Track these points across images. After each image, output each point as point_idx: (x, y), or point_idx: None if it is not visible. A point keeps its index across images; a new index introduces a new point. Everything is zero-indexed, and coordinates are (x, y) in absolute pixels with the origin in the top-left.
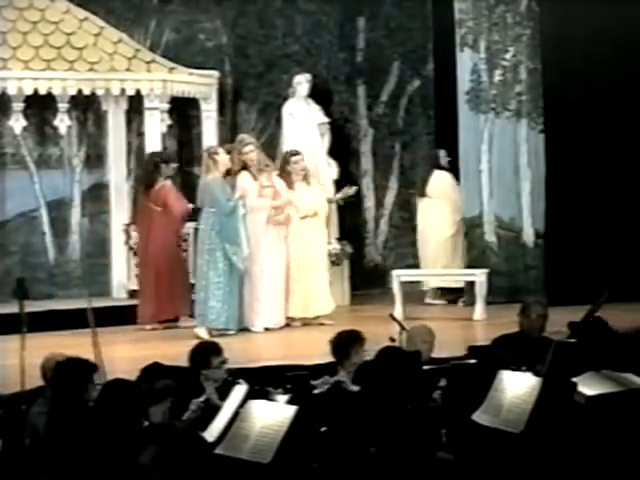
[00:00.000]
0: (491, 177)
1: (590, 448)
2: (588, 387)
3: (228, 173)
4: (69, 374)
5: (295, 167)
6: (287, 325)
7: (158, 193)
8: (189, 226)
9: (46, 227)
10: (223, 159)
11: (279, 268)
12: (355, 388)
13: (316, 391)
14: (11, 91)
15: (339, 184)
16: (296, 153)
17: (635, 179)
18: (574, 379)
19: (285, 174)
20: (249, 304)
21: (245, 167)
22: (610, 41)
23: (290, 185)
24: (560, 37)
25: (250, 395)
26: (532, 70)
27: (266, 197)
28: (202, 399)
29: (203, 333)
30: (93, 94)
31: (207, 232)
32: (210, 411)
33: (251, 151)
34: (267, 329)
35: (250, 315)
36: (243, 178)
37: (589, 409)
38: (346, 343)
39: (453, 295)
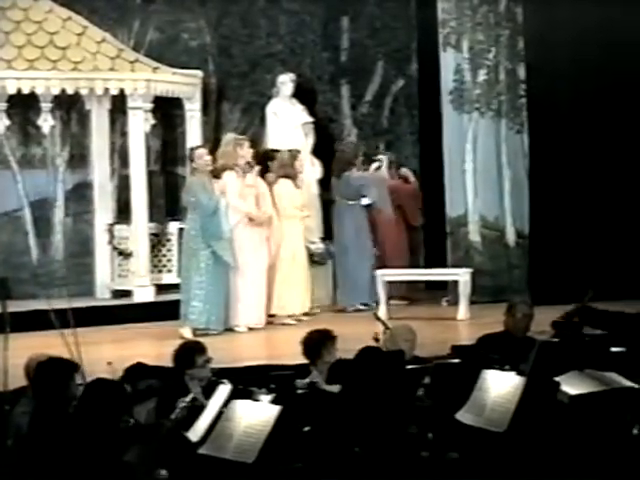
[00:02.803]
0: (475, 177)
1: (573, 447)
2: (571, 386)
3: (213, 172)
4: (50, 374)
5: (300, 165)
6: (270, 323)
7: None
8: (173, 226)
9: (29, 227)
10: (206, 159)
11: (260, 268)
12: (329, 387)
13: (299, 391)
14: None
15: (322, 183)
16: (299, 152)
17: (618, 178)
18: (557, 378)
19: (291, 170)
20: (231, 304)
21: (231, 167)
22: (594, 42)
23: (297, 185)
24: (545, 38)
25: (234, 395)
26: (510, 71)
27: (248, 196)
28: (189, 398)
29: (187, 333)
30: (76, 94)
31: (191, 233)
32: (196, 411)
33: (250, 147)
34: (250, 328)
35: (232, 314)
36: (228, 176)
37: (572, 408)
38: (318, 343)
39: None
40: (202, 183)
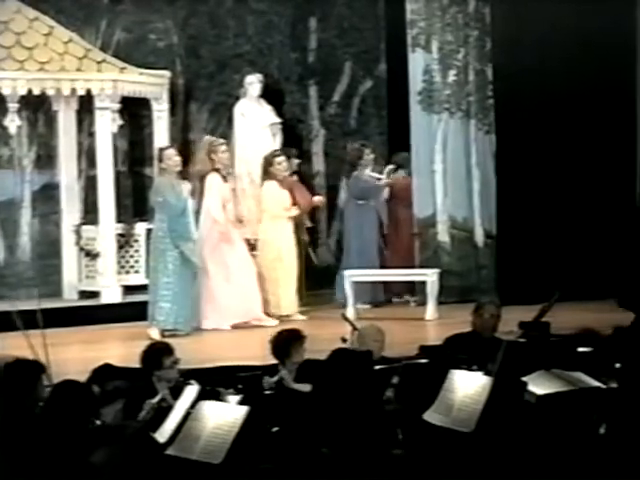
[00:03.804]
0: (445, 177)
1: (540, 447)
2: (538, 386)
3: (181, 173)
4: (17, 375)
5: (279, 168)
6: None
7: None
8: (141, 227)
9: None
10: (175, 160)
11: (242, 267)
12: (297, 386)
13: (267, 389)
14: None
15: None
16: (279, 154)
17: (585, 179)
18: (524, 378)
19: (269, 176)
20: (211, 303)
21: (214, 169)
22: (561, 43)
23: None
24: (511, 39)
25: (201, 396)
26: (479, 71)
27: (231, 200)
28: (156, 399)
29: (155, 334)
30: (43, 94)
31: (158, 233)
32: (163, 412)
33: (226, 151)
34: (235, 327)
35: (211, 314)
36: (213, 179)
37: (539, 408)
38: (287, 342)
39: None
40: (170, 183)
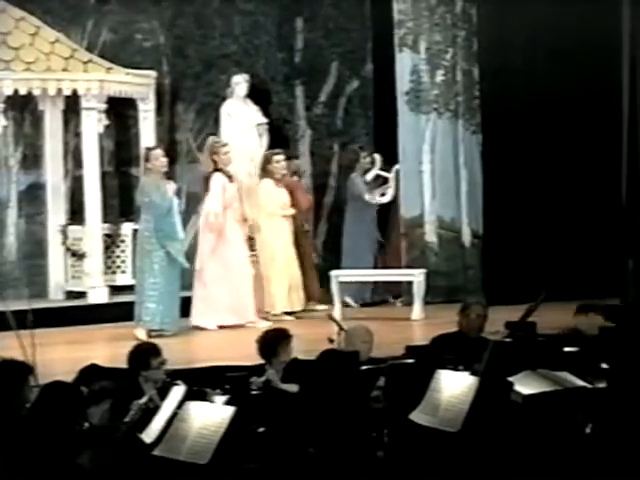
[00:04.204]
0: (433, 177)
1: (527, 447)
2: (525, 386)
3: (166, 173)
4: (3, 376)
5: (277, 167)
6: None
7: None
8: (127, 227)
9: None
10: (162, 161)
11: (241, 270)
12: (284, 386)
13: (253, 392)
14: None
15: None
16: (278, 153)
17: (570, 179)
18: (511, 378)
19: (266, 174)
20: (203, 301)
21: (218, 169)
22: (548, 43)
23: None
24: (497, 40)
25: (188, 396)
26: (467, 72)
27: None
28: (144, 400)
29: (141, 334)
30: (29, 94)
31: (144, 233)
32: (150, 412)
33: (229, 152)
34: (221, 327)
35: (202, 311)
36: (218, 179)
37: (526, 408)
38: (274, 341)
39: None
40: (155, 183)
